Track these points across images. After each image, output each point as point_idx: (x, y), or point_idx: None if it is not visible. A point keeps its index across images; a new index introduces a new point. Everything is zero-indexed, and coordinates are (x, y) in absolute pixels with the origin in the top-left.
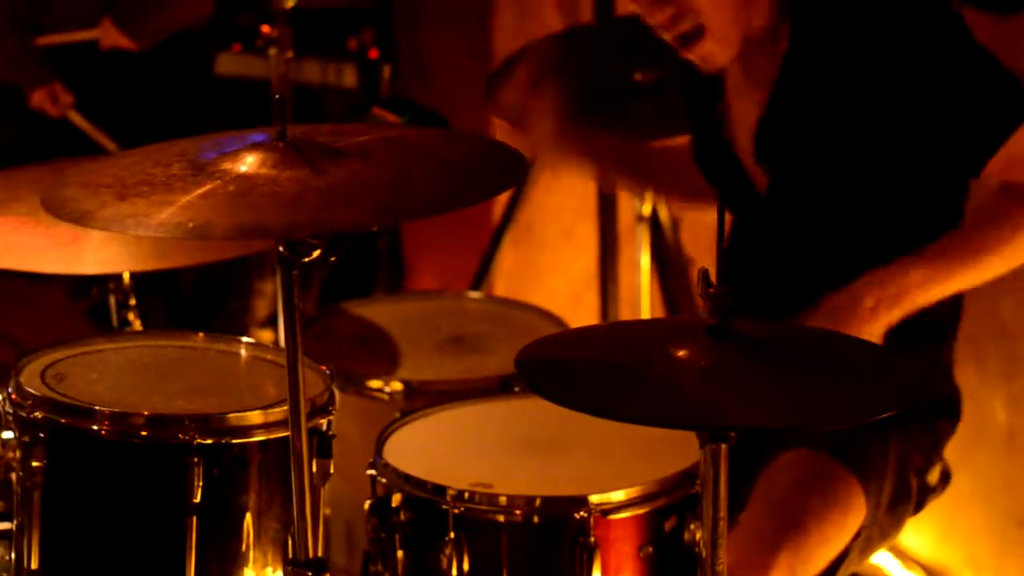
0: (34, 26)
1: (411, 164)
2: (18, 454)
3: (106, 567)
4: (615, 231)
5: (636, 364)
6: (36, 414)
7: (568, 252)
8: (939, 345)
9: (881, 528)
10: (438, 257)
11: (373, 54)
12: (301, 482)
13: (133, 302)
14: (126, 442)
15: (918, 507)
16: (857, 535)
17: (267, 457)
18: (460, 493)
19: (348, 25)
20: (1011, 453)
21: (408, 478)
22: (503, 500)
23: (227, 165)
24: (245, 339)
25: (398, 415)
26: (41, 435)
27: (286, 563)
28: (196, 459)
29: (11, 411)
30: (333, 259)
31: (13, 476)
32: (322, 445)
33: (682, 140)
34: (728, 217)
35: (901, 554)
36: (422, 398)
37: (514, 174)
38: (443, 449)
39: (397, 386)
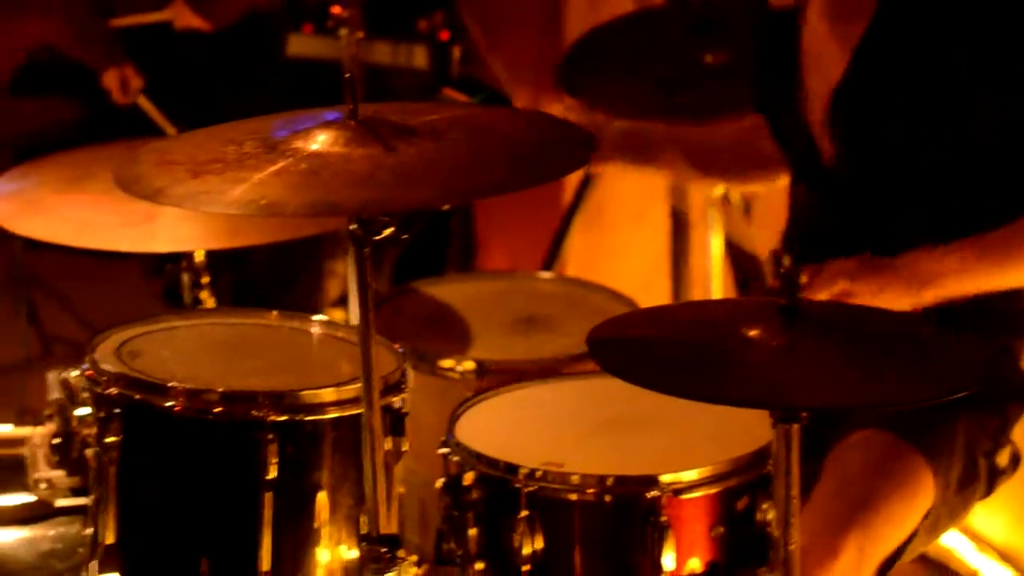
0: (108, 7)
1: (481, 143)
2: (94, 430)
3: (181, 542)
4: (686, 214)
5: (708, 344)
6: (111, 390)
7: (639, 234)
8: (1012, 331)
9: (950, 509)
10: (509, 238)
11: (444, 35)
12: (374, 459)
13: (206, 280)
14: (200, 418)
15: (988, 489)
16: (925, 516)
17: (340, 434)
18: (532, 472)
19: (418, 6)
20: None
21: (480, 457)
22: (575, 479)
23: (299, 143)
24: (318, 317)
25: (470, 394)
26: (116, 411)
27: (360, 539)
28: (270, 436)
29: (87, 387)
30: (405, 237)
31: (89, 452)
32: (395, 423)
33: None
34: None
35: (975, 537)
36: (494, 377)
37: (585, 154)
38: (515, 428)
39: (469, 365)
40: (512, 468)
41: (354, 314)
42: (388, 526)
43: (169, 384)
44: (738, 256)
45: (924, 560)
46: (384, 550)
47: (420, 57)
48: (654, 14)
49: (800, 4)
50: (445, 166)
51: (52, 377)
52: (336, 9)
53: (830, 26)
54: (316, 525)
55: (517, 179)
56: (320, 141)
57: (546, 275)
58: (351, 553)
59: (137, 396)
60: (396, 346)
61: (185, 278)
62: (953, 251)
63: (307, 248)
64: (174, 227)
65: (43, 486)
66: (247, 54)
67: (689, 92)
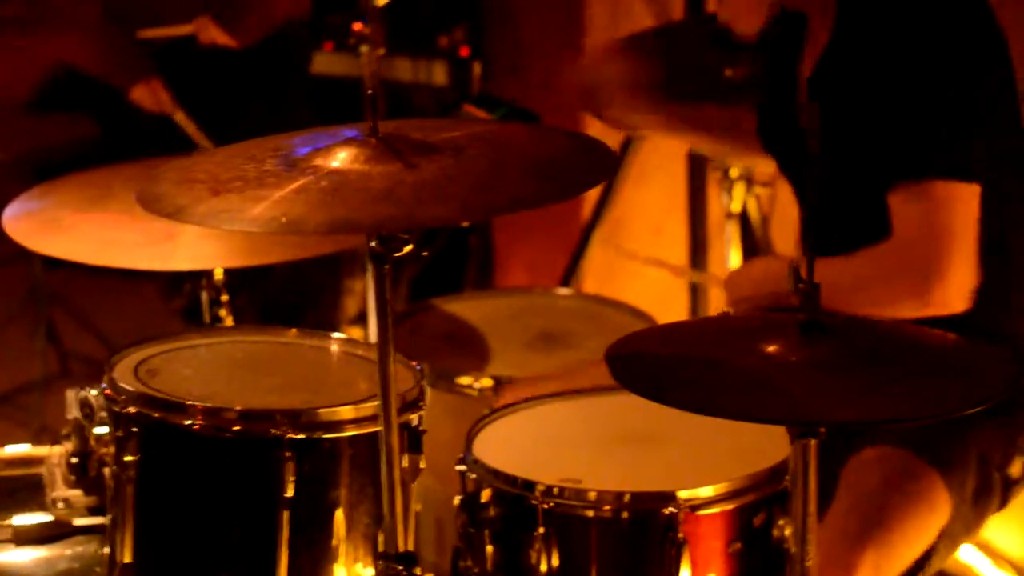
0: (133, 20)
1: (502, 160)
2: (112, 449)
3: (198, 561)
4: (704, 227)
5: (726, 359)
6: (129, 409)
7: (658, 249)
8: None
9: (966, 524)
10: (528, 254)
11: (464, 52)
12: (392, 476)
13: (225, 298)
14: (218, 437)
15: (1003, 501)
16: (941, 532)
17: (358, 452)
18: (549, 488)
19: (439, 23)
20: None
21: (497, 474)
22: (592, 495)
23: (319, 161)
24: (336, 335)
25: (487, 411)
26: (134, 430)
27: (377, 557)
28: (288, 454)
29: (105, 406)
30: (425, 254)
31: (107, 471)
32: (412, 440)
33: None
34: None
35: (991, 552)
36: (512, 394)
37: (604, 170)
38: (532, 445)
39: (487, 382)
40: (529, 485)
41: (372, 331)
42: (405, 544)
43: (187, 402)
44: None
45: (938, 574)
46: (401, 568)
47: (440, 73)
48: (674, 29)
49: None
50: (465, 183)
51: (70, 395)
52: (357, 26)
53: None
54: (333, 543)
55: (537, 196)
56: (340, 158)
57: (564, 291)
58: (368, 571)
59: (155, 415)
60: (414, 363)
61: (204, 296)
62: (834, 264)
63: (325, 266)
64: (193, 245)
65: (61, 505)
66: (272, 71)
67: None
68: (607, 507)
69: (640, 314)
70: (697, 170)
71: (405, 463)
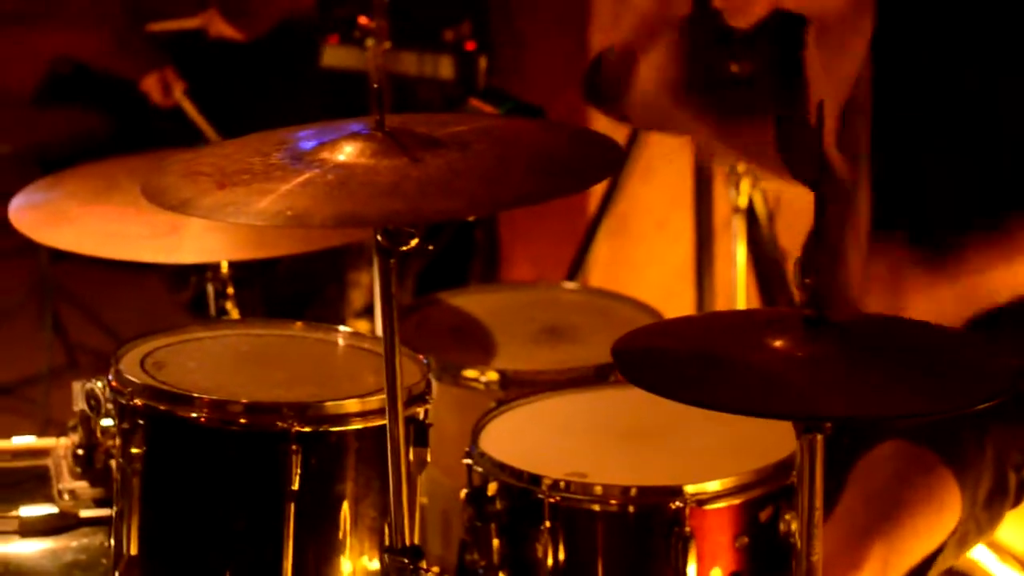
0: (143, 14)
1: (508, 154)
2: (118, 441)
3: (204, 553)
4: (711, 222)
5: (732, 354)
6: (135, 401)
7: (663, 244)
8: None
9: (977, 523)
10: (534, 248)
11: (470, 46)
12: (398, 470)
13: (231, 291)
14: (224, 429)
15: (1015, 503)
16: (953, 531)
17: (364, 445)
18: (555, 482)
19: (445, 17)
20: None
21: (504, 467)
22: (598, 490)
23: (326, 154)
24: (343, 328)
25: (494, 404)
26: (140, 422)
27: (383, 550)
28: (294, 447)
29: (111, 398)
30: (431, 248)
31: (113, 463)
32: (419, 433)
33: None
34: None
35: (997, 547)
36: (518, 388)
37: (610, 164)
38: (538, 438)
39: (493, 376)
40: (535, 479)
41: (379, 325)
42: (411, 537)
43: (193, 395)
44: (763, 265)
45: (947, 571)
46: (407, 561)
47: (446, 67)
48: (680, 23)
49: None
50: (471, 177)
51: (76, 387)
52: (363, 20)
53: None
54: (339, 536)
55: (543, 190)
56: (347, 152)
57: (570, 285)
58: (373, 564)
59: (161, 407)
60: (420, 357)
61: (210, 289)
62: (982, 233)
63: (332, 259)
64: (199, 238)
65: (67, 497)
66: (280, 64)
67: (716, 99)
68: (613, 501)
69: (646, 308)
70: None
71: (412, 456)
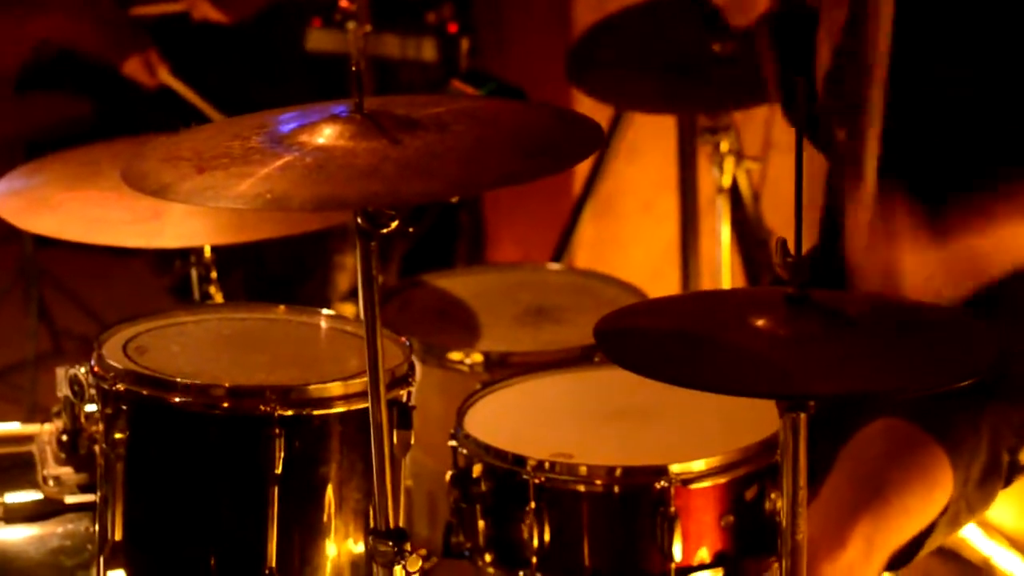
0: None
1: (487, 135)
2: (101, 427)
3: (188, 538)
4: (696, 203)
5: (715, 333)
6: (118, 386)
7: (648, 224)
8: None
9: (968, 503)
10: (519, 229)
11: (452, 28)
12: (381, 453)
13: (214, 275)
14: (207, 414)
15: (1007, 483)
16: (944, 510)
17: (348, 428)
18: (540, 463)
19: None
20: None
21: (489, 449)
22: (583, 470)
23: (304, 137)
24: (325, 311)
25: (479, 386)
26: (123, 407)
27: (367, 533)
28: (277, 430)
29: (94, 384)
30: (411, 230)
31: (97, 449)
32: (402, 416)
33: None
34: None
35: (984, 524)
36: (502, 369)
37: (590, 145)
38: (523, 420)
39: (477, 357)
40: (520, 460)
41: (362, 306)
42: (395, 520)
43: (176, 379)
44: (748, 245)
45: (936, 549)
46: (391, 544)
47: (429, 50)
48: (662, 4)
49: None
50: (450, 158)
51: (60, 374)
52: (344, 3)
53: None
54: (324, 519)
55: (522, 171)
56: (326, 135)
57: (555, 266)
58: (358, 547)
59: (144, 392)
60: (403, 339)
61: (194, 274)
62: (988, 193)
63: (317, 242)
64: (181, 223)
65: (51, 483)
66: (265, 47)
67: (698, 82)
68: (599, 481)
69: (632, 289)
70: (688, 145)
71: (395, 439)
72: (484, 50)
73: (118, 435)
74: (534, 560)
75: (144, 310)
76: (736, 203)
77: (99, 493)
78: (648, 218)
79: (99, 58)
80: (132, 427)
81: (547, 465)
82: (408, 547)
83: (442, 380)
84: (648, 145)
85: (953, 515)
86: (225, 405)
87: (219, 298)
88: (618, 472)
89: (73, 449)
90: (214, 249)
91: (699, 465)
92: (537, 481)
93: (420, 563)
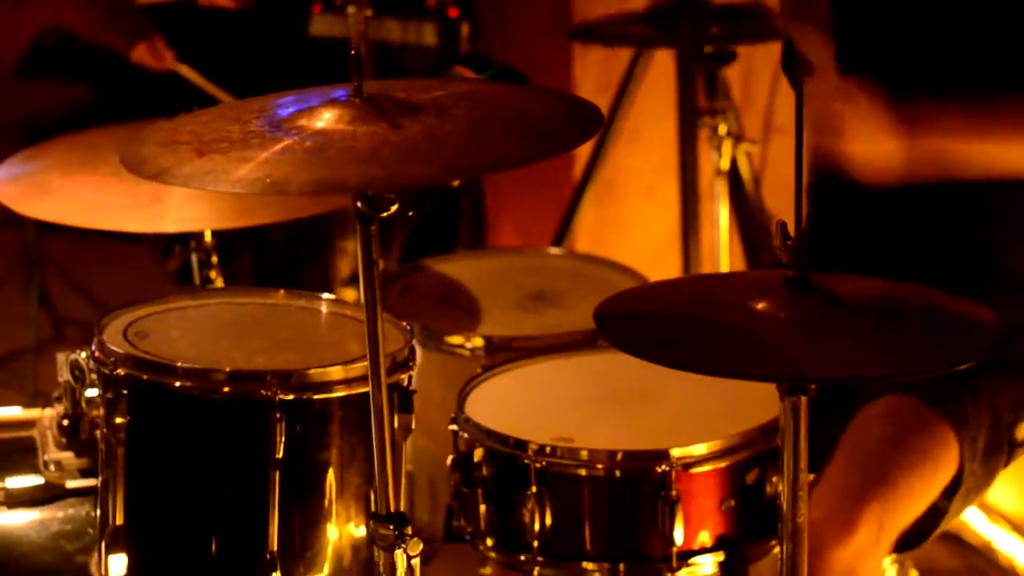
0: None
1: (486, 119)
2: (102, 411)
3: (190, 522)
4: (696, 187)
5: (715, 317)
6: (119, 371)
7: (650, 208)
8: None
9: (976, 480)
10: (519, 214)
11: (452, 12)
12: (382, 437)
13: (215, 260)
14: (208, 398)
15: (1008, 461)
16: (955, 489)
17: (348, 412)
18: (541, 448)
19: None
20: None
21: (490, 433)
22: (584, 454)
23: (304, 121)
24: (326, 296)
25: (479, 370)
26: (124, 392)
27: (368, 517)
28: (278, 415)
29: (95, 369)
30: (411, 214)
31: (98, 433)
32: (403, 400)
33: None
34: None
35: (986, 507)
36: (503, 353)
37: (590, 129)
38: (524, 404)
39: (478, 342)
40: (521, 444)
41: (362, 290)
42: (396, 504)
43: (176, 364)
44: (748, 227)
45: None
46: (392, 527)
47: (429, 34)
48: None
49: None
50: (449, 142)
51: (61, 359)
52: None
53: None
54: (325, 504)
55: (521, 155)
56: (325, 119)
57: (556, 251)
58: (359, 531)
59: (145, 376)
60: (403, 323)
61: (194, 258)
62: (960, 107)
63: (322, 226)
64: (182, 207)
65: (53, 468)
66: (270, 32)
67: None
68: (600, 466)
69: (632, 273)
70: (688, 129)
71: (396, 423)
72: (485, 34)
73: (119, 420)
74: (535, 544)
75: (146, 296)
76: (736, 186)
77: (100, 478)
78: (649, 202)
79: (106, 46)
80: (133, 412)
81: (548, 449)
82: (409, 531)
83: (443, 364)
84: (649, 129)
85: (964, 493)
86: (226, 390)
87: (220, 283)
88: (619, 456)
89: (74, 434)
90: (222, 234)
91: (700, 449)
92: (538, 465)
93: (420, 546)
